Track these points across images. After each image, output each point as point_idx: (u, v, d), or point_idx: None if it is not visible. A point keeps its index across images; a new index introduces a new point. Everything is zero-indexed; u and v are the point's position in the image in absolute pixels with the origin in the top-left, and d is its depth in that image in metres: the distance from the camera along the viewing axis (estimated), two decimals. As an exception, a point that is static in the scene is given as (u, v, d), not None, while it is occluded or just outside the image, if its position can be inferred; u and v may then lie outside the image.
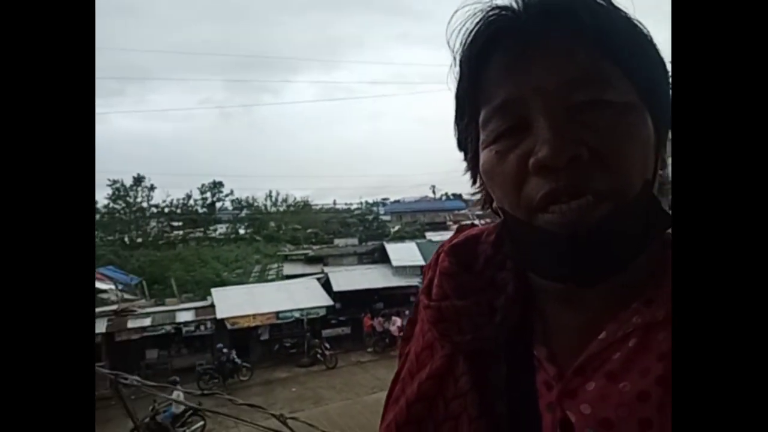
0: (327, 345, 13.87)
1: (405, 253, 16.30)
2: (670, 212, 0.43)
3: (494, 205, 0.48)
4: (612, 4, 0.43)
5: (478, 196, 0.53)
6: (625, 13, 0.43)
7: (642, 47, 0.43)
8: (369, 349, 14.49)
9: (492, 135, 0.44)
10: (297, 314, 14.39)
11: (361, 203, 42.14)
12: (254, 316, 14.12)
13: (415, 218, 32.25)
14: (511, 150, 0.43)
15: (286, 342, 14.38)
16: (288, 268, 18.56)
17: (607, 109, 0.40)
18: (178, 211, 33.92)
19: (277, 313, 14.27)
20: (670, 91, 0.44)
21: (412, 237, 21.77)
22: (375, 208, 38.37)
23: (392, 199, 42.01)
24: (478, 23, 0.44)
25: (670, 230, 0.44)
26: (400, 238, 22.18)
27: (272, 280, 18.84)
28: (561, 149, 0.39)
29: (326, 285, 15.58)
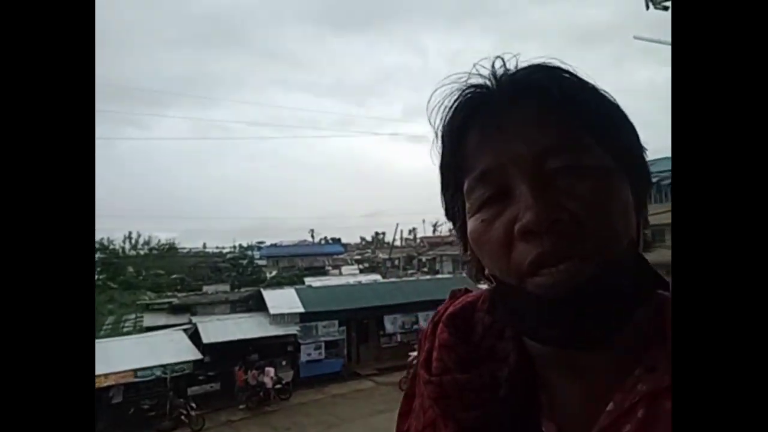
0: (193, 404, 12.63)
1: (283, 300, 15.83)
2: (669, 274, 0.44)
3: (486, 272, 0.50)
4: (578, 77, 0.47)
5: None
6: (592, 84, 0.47)
7: (610, 114, 0.47)
8: (241, 406, 13.53)
9: (477, 203, 0.47)
10: (159, 371, 12.96)
11: (235, 247, 40.12)
12: (105, 375, 12.41)
13: (293, 263, 31.67)
14: (496, 217, 0.45)
15: (144, 403, 12.79)
16: (149, 319, 16.76)
17: (583, 173, 0.43)
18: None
19: (135, 370, 12.71)
20: (644, 154, 0.49)
21: (290, 283, 21.27)
22: (250, 252, 36.81)
23: (268, 243, 40.78)
24: (456, 100, 0.48)
25: (664, 291, 0.47)
26: (277, 283, 21.52)
27: (129, 333, 16.83)
28: (543, 214, 0.41)
29: (194, 336, 14.37)
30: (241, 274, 27.00)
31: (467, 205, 0.49)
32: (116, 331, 17.69)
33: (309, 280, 21.06)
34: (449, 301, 0.60)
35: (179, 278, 27.23)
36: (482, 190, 0.46)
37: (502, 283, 0.47)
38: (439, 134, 0.50)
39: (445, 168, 0.51)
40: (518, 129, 0.45)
